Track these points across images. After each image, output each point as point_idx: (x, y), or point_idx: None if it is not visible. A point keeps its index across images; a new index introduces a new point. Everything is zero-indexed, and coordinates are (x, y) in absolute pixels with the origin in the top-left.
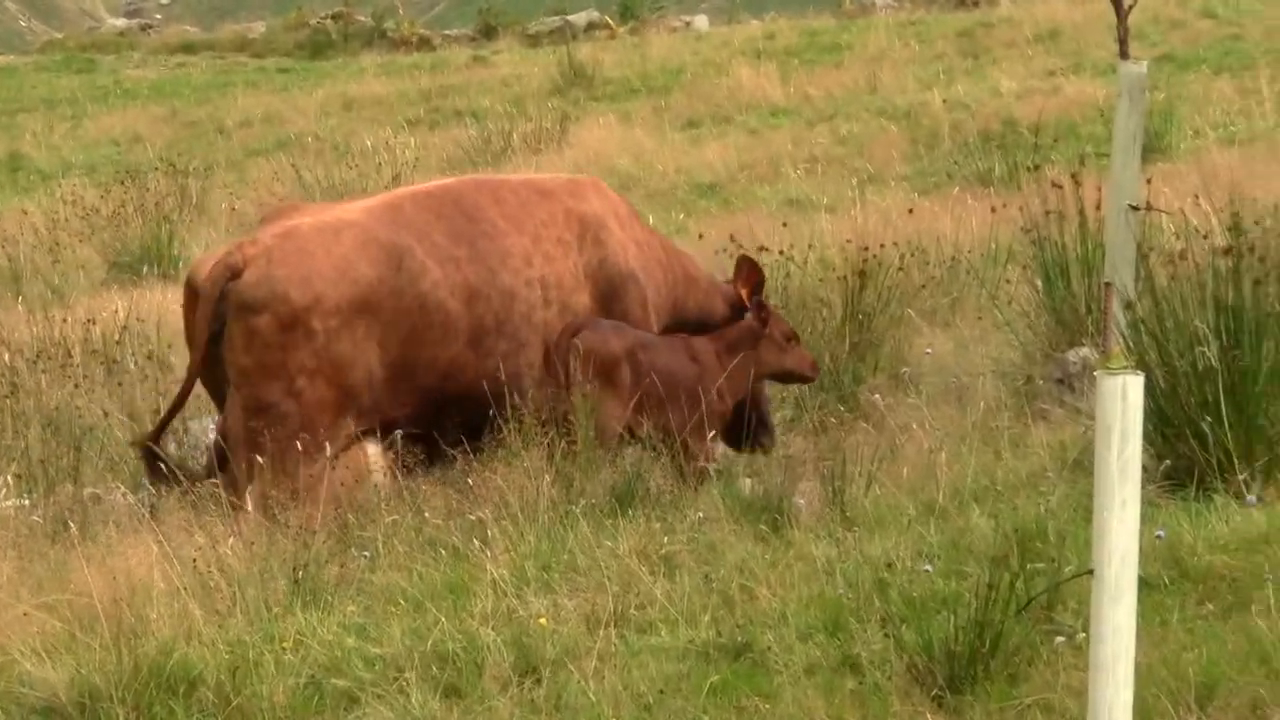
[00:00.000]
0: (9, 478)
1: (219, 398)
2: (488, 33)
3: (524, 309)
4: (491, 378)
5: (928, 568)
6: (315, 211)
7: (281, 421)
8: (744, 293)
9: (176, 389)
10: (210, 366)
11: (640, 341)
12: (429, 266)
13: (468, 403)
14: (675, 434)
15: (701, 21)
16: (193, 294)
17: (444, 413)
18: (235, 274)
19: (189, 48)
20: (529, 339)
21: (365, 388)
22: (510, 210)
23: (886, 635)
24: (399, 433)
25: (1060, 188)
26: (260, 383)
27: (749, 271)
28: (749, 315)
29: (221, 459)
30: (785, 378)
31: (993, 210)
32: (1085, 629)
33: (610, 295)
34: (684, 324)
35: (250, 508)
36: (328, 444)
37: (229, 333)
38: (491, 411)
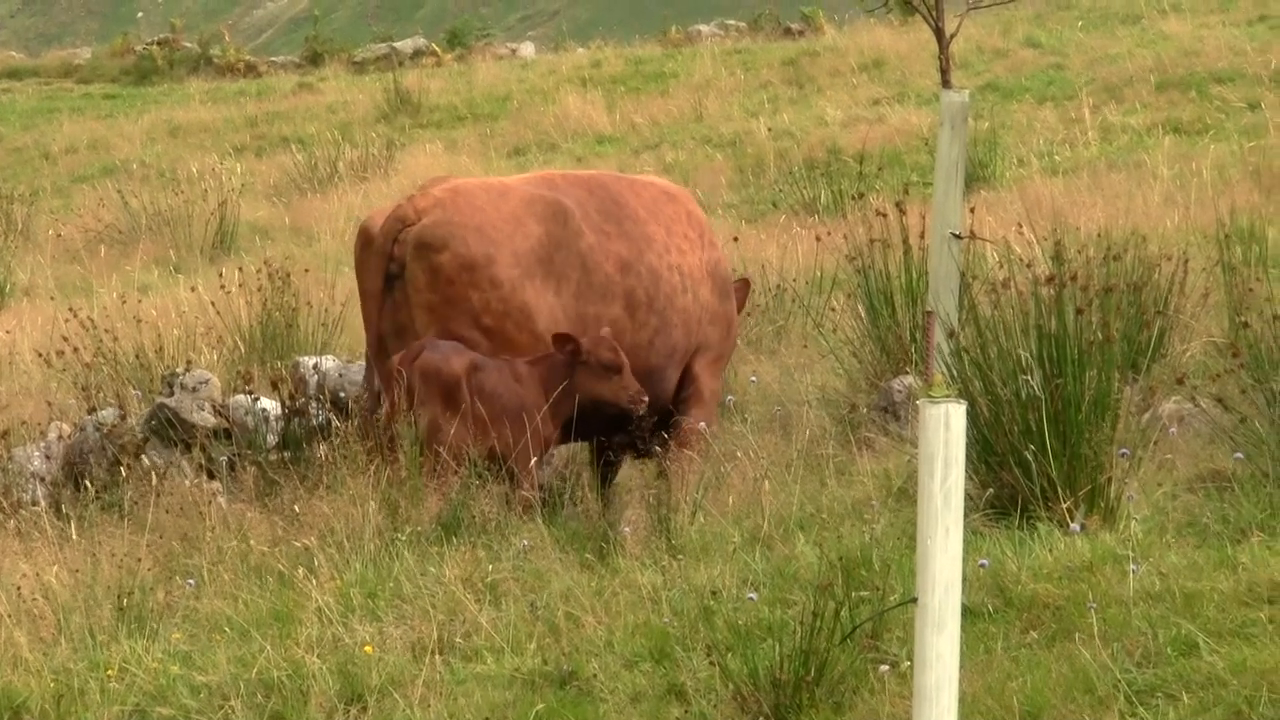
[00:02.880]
0: None
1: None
2: (314, 60)
3: (668, 290)
4: (645, 349)
5: (753, 596)
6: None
7: (474, 349)
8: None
9: (2, 414)
10: (380, 317)
11: (474, 363)
12: (585, 230)
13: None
14: (503, 458)
15: (528, 49)
16: (366, 246)
17: None
18: (408, 223)
19: (14, 73)
20: (673, 321)
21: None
22: (646, 202)
23: (712, 663)
24: None
25: (884, 216)
26: (449, 316)
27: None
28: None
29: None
30: (607, 406)
31: (818, 238)
32: (910, 657)
33: (724, 294)
34: None
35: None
36: None
37: (410, 275)
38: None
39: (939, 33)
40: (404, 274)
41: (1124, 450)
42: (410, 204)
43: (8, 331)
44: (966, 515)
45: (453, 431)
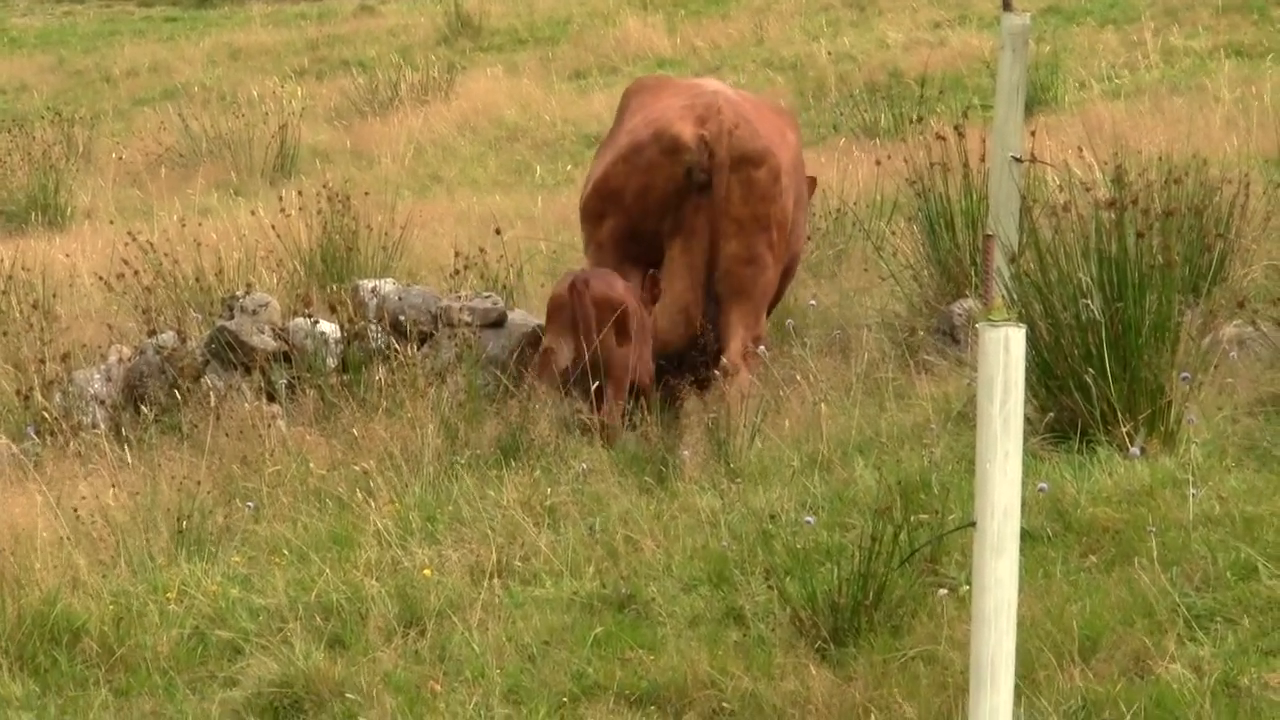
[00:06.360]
0: None
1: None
2: None
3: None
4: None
5: (811, 520)
6: (690, 85)
7: (763, 271)
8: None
9: (63, 337)
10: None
11: (628, 289)
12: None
13: (789, 276)
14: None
15: None
16: (673, 152)
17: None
18: (731, 131)
19: None
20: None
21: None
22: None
23: (770, 587)
24: None
25: (944, 139)
26: (754, 233)
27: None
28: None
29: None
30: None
31: (878, 162)
32: (968, 581)
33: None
34: None
35: (735, 358)
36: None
37: (725, 185)
38: None
39: None
40: (710, 184)
41: (1184, 374)
42: (718, 114)
43: (68, 254)
44: (1026, 439)
45: (623, 358)
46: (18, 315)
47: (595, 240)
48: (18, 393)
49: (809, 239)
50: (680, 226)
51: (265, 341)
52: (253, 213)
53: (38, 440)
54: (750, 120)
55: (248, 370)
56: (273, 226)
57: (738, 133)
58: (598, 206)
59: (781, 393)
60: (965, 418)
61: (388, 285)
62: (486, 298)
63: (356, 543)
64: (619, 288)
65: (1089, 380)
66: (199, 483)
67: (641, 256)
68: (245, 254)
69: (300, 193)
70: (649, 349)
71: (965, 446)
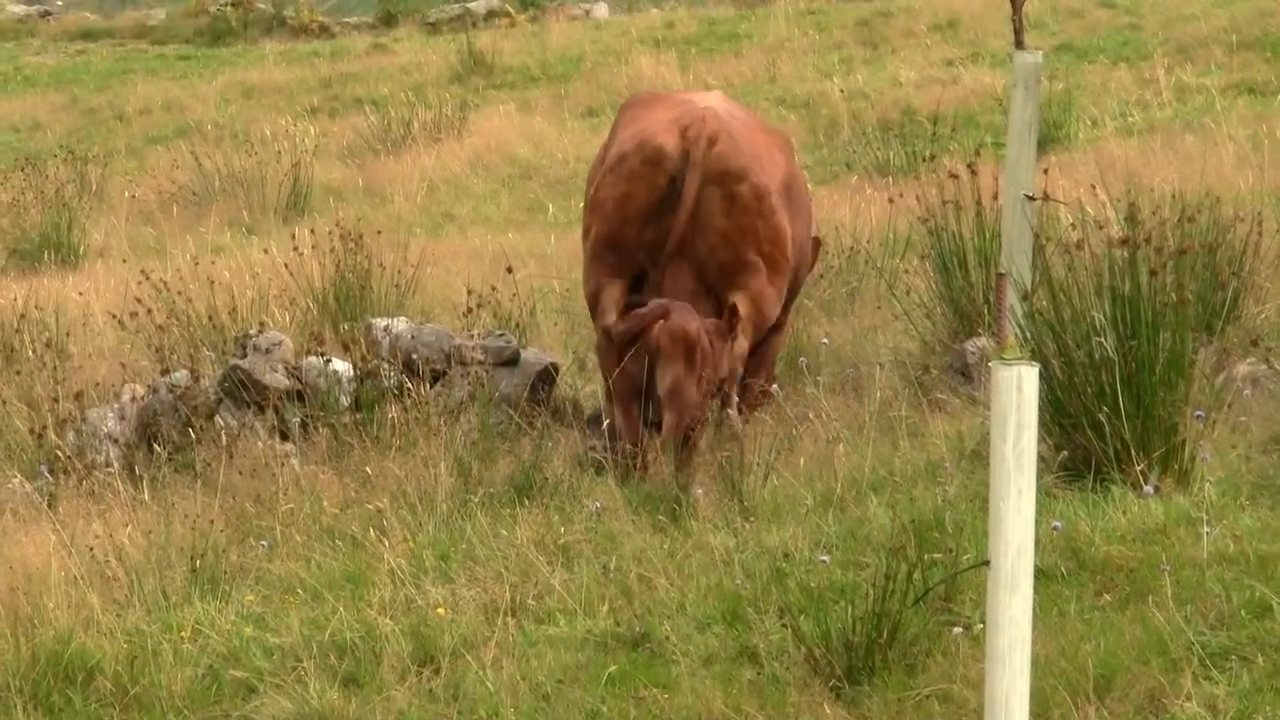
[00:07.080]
0: None
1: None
2: (388, 20)
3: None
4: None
5: (825, 558)
6: (683, 99)
7: (756, 273)
8: None
9: (76, 375)
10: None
11: (702, 325)
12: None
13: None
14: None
15: (601, 10)
16: (656, 163)
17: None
18: (711, 145)
19: (89, 35)
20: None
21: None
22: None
23: (784, 626)
24: None
25: (957, 177)
26: (740, 243)
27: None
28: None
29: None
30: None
31: (890, 200)
32: (982, 620)
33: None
34: None
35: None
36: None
37: (706, 200)
38: None
39: None
40: (690, 197)
41: (1198, 412)
42: (703, 125)
43: (81, 293)
44: (1040, 477)
45: (692, 392)
46: (31, 354)
47: (586, 256)
48: (31, 431)
49: (821, 277)
50: (663, 240)
51: (278, 380)
52: (265, 251)
53: (51, 479)
54: (735, 136)
55: (261, 409)
56: (285, 265)
57: (717, 147)
58: (586, 220)
59: (795, 431)
60: (979, 456)
61: (401, 324)
62: (499, 336)
63: (370, 581)
64: (694, 324)
65: (1102, 419)
66: (212, 521)
67: (620, 267)
68: (258, 292)
69: (313, 231)
70: (707, 388)
71: (979, 485)
